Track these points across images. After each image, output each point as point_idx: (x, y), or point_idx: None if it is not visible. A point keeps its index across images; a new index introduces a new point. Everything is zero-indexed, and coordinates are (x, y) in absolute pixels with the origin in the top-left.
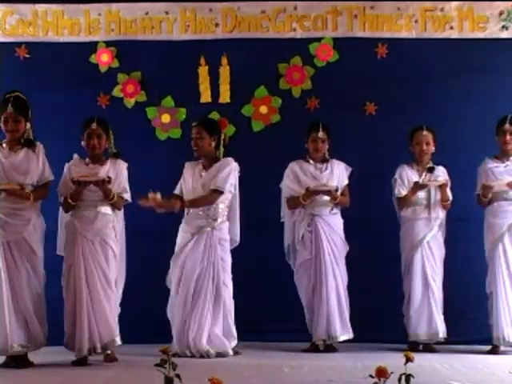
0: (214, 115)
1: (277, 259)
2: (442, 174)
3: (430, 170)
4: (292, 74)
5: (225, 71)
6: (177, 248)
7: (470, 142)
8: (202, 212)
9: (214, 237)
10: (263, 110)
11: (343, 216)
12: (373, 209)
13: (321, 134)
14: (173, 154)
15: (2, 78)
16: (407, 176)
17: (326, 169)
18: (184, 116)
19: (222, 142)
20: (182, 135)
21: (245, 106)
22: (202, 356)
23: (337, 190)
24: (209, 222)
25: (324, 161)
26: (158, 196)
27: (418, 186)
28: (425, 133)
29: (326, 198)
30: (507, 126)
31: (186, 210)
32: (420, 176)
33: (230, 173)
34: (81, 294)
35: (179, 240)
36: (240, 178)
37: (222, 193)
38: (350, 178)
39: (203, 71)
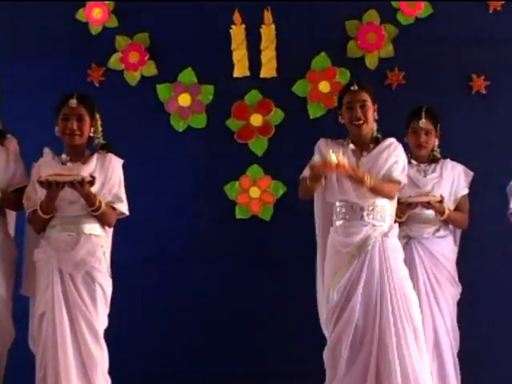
0: (254, 95)
1: None
2: None
3: None
4: (365, 36)
5: (269, 32)
6: (328, 275)
7: None
8: (361, 217)
9: (389, 247)
10: (324, 87)
11: None
12: (481, 224)
13: (423, 122)
14: (195, 151)
15: None
16: None
17: (434, 171)
18: (211, 97)
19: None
20: (207, 124)
21: (298, 81)
22: None
23: (441, 201)
24: (377, 227)
25: (433, 161)
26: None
27: None
28: None
29: (429, 212)
30: None
31: (335, 216)
32: None
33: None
34: (55, 354)
35: (329, 263)
36: (287, 182)
37: (400, 184)
38: None
39: (238, 32)
